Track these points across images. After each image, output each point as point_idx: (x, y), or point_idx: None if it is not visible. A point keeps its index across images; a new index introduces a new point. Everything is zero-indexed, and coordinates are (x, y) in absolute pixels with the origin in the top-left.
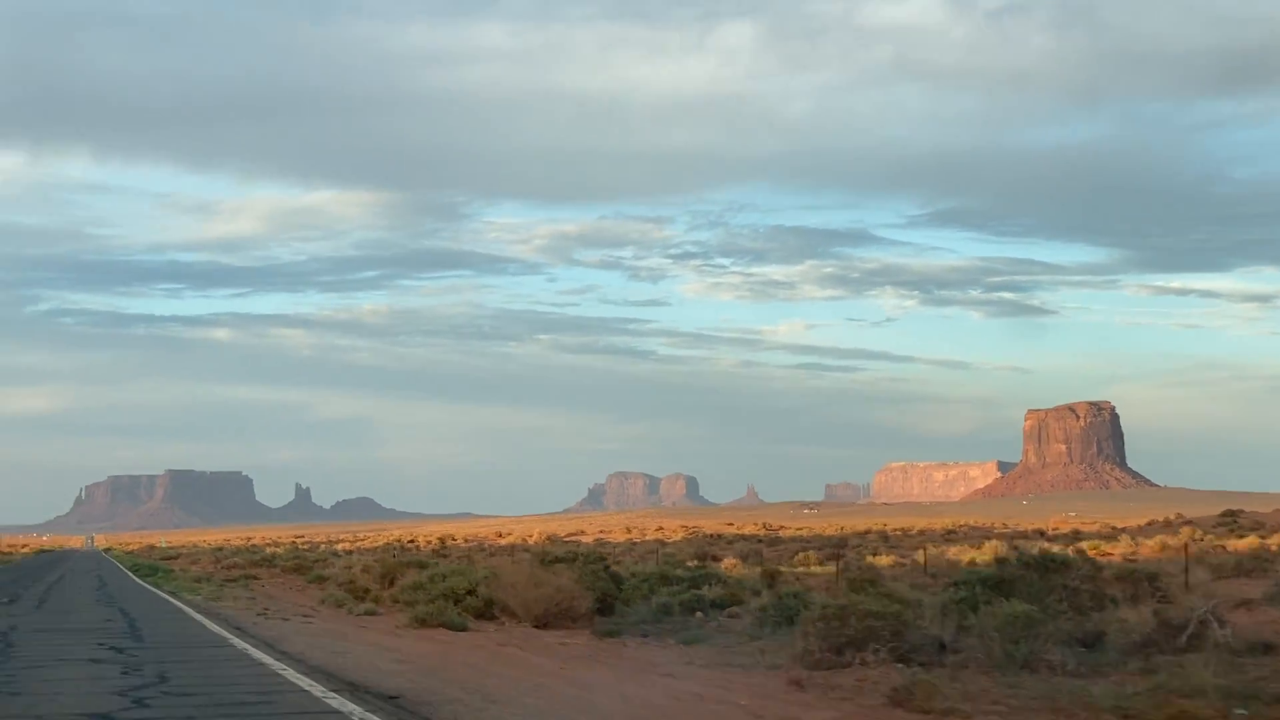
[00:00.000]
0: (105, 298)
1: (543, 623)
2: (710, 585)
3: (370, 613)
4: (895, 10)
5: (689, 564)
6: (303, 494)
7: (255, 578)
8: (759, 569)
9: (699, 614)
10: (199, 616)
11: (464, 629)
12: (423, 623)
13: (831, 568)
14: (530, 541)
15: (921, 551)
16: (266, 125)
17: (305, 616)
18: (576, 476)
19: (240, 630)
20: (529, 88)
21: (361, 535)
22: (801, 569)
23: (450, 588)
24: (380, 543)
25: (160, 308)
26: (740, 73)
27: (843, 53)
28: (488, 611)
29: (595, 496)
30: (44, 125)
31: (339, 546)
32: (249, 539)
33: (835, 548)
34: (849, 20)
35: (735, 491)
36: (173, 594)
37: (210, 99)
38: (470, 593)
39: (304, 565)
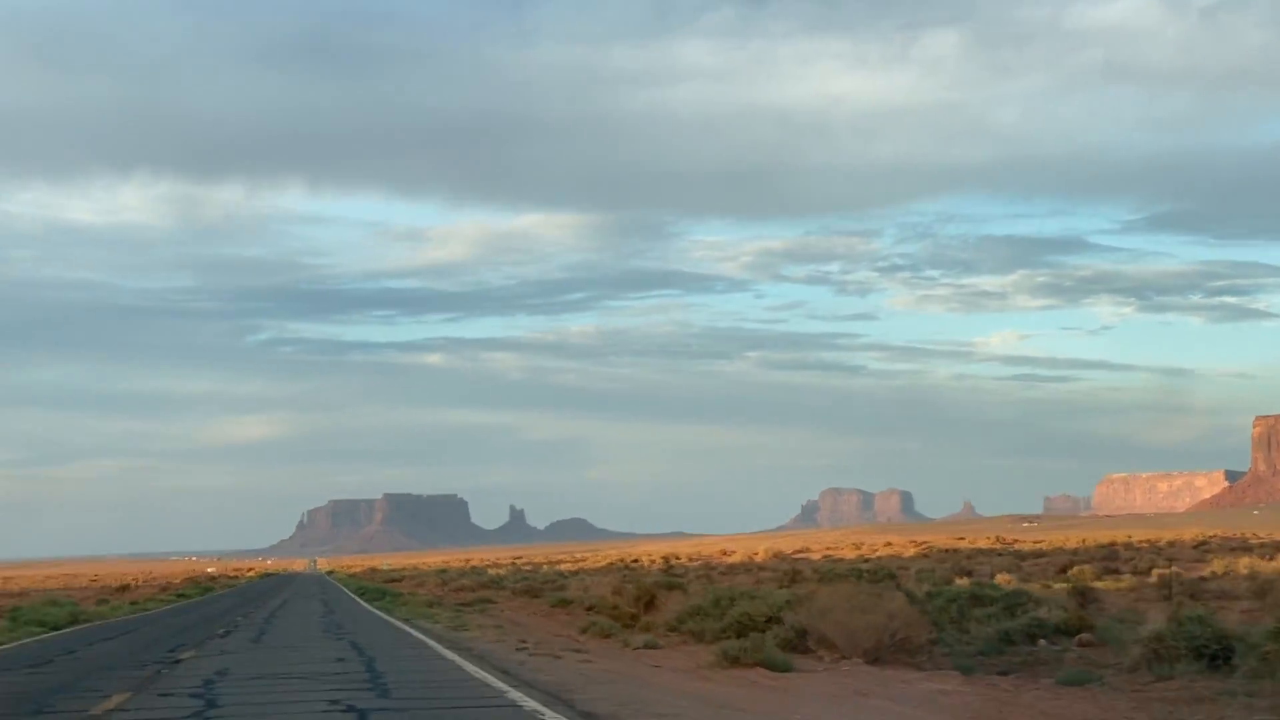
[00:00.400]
0: (322, 326)
1: (873, 657)
2: (1025, 606)
3: (651, 645)
4: (1104, 11)
5: (968, 581)
6: (517, 515)
7: (490, 601)
8: (1065, 585)
9: (1042, 642)
10: (449, 653)
11: (788, 669)
12: (734, 660)
13: (1124, 582)
14: (756, 559)
15: (1228, 564)
16: (473, 152)
17: (577, 652)
18: (789, 493)
19: (508, 674)
20: (732, 105)
21: (579, 555)
22: (1106, 584)
23: (745, 614)
24: (602, 563)
25: (375, 334)
26: (946, 82)
27: (1051, 57)
28: (799, 643)
29: (808, 513)
30: (260, 160)
31: (561, 567)
32: (467, 560)
33: (1105, 560)
34: (1056, 24)
35: (950, 506)
36: (407, 621)
37: (418, 128)
38: (771, 620)
39: (534, 587)
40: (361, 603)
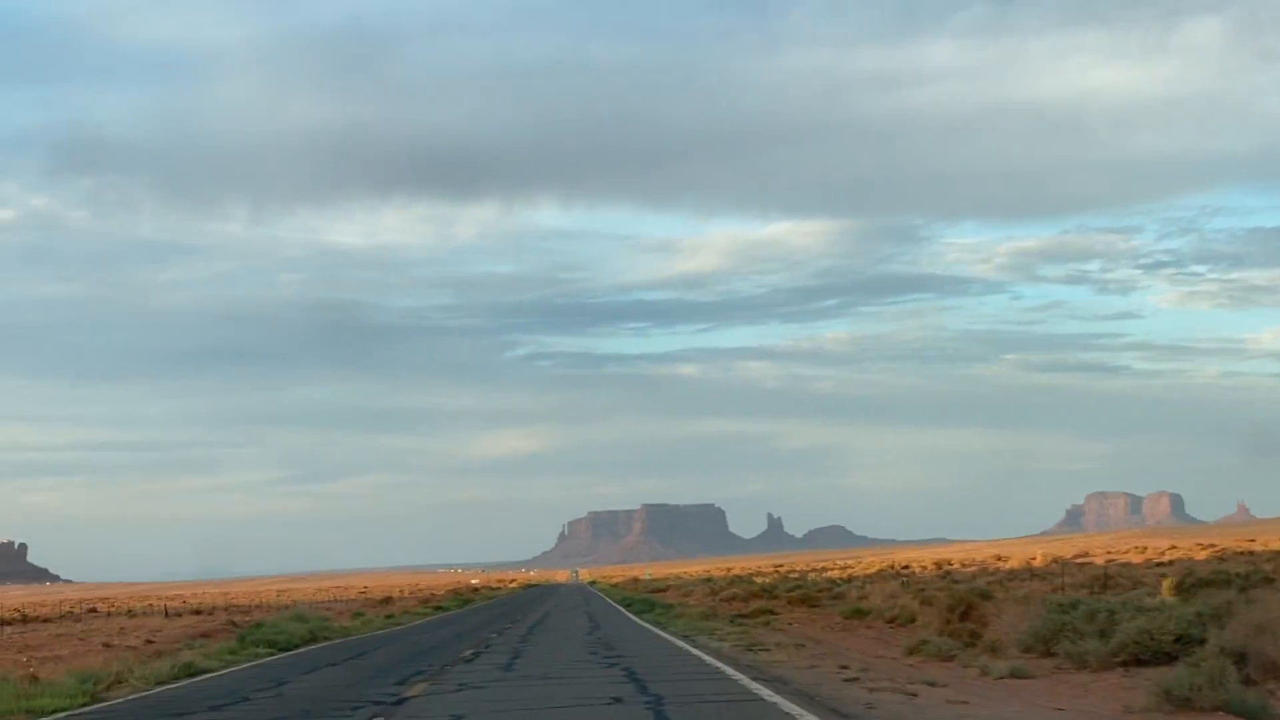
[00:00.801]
0: (578, 339)
1: None
2: None
3: (1020, 674)
4: None
5: None
6: (774, 524)
7: (771, 612)
8: None
9: None
10: (759, 687)
11: (1262, 712)
12: (1183, 703)
13: None
14: (1035, 564)
15: None
16: (722, 161)
17: (929, 685)
18: (1052, 498)
19: None
20: (983, 103)
21: (841, 562)
22: None
23: (1144, 632)
24: (870, 569)
25: (629, 346)
26: (1209, 70)
27: None
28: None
29: (1073, 518)
30: (514, 176)
31: (829, 574)
32: (728, 569)
33: None
34: None
35: (1224, 508)
36: (687, 638)
37: (667, 139)
38: (1181, 639)
39: (811, 596)
40: (629, 615)
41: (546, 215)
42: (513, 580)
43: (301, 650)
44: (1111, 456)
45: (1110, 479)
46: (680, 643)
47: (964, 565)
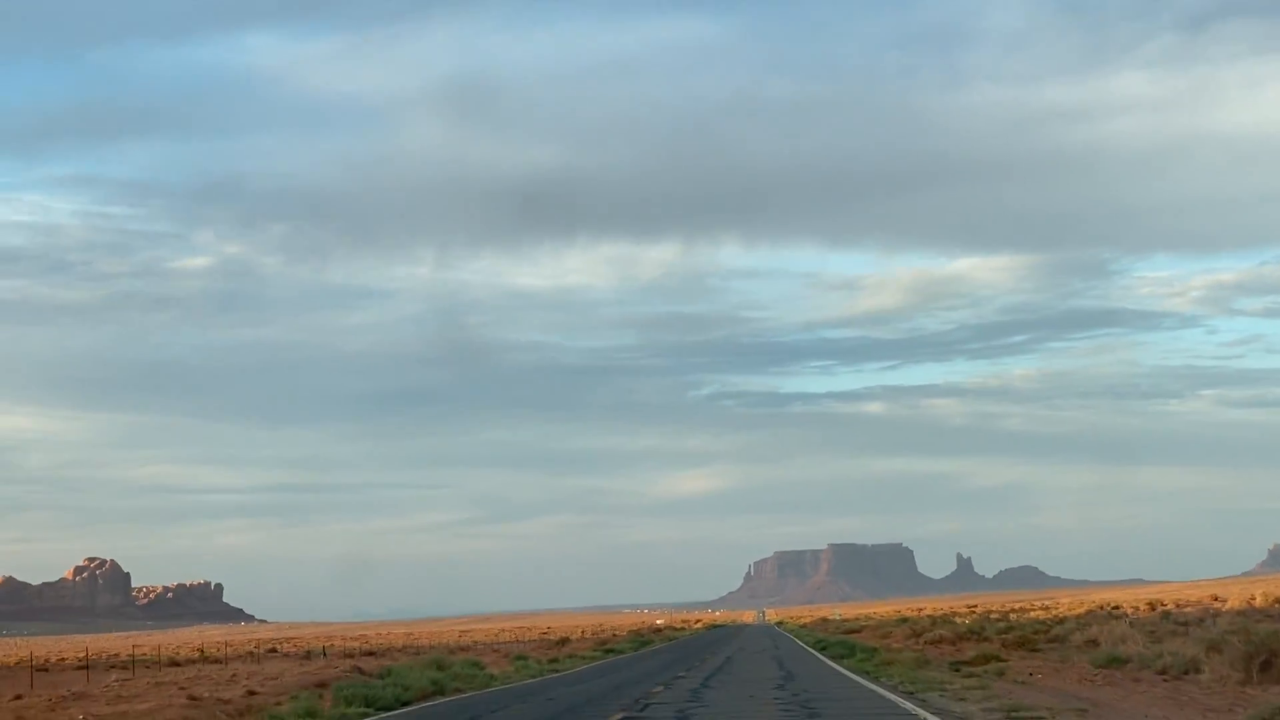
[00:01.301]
0: (762, 378)
1: None
2: None
3: None
4: None
5: None
6: (964, 564)
7: (1000, 658)
8: None
9: None
10: None
11: None
12: None
13: None
14: (1255, 604)
15: None
16: (906, 198)
17: None
18: (1253, 537)
19: None
20: (1174, 134)
21: (1040, 604)
22: None
23: None
24: (1078, 609)
25: (814, 385)
26: None
27: None
28: None
29: (1276, 557)
30: (695, 216)
31: (1031, 615)
32: (919, 609)
33: None
34: None
35: None
36: (910, 695)
37: (850, 176)
38: None
39: (1028, 638)
40: (826, 660)
41: (729, 255)
42: (697, 621)
43: (407, 709)
44: None
45: None
46: (906, 703)
47: (1179, 606)
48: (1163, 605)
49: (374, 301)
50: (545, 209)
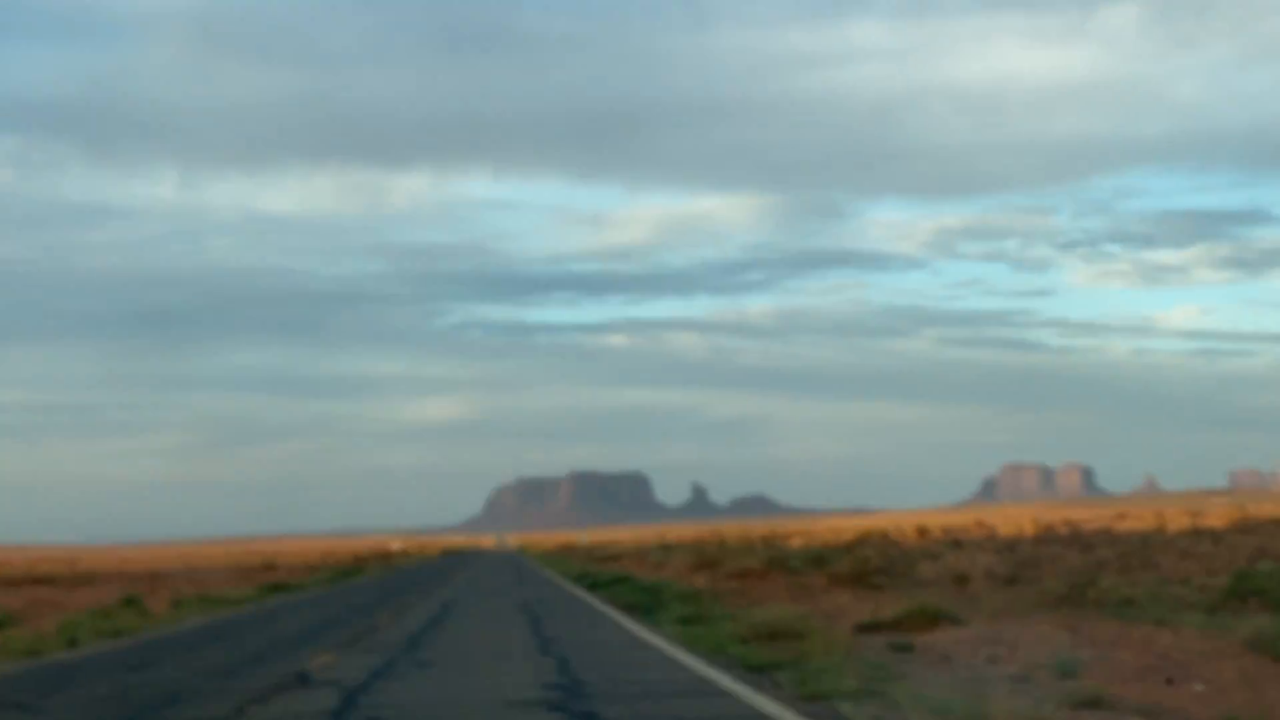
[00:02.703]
0: (508, 309)
1: None
2: None
3: None
4: None
5: None
6: (699, 492)
7: (956, 619)
8: None
9: None
10: None
11: None
12: None
13: None
14: (1027, 533)
15: None
16: (652, 135)
17: None
18: (968, 469)
19: None
20: (908, 84)
21: (782, 531)
22: None
23: None
24: (846, 536)
25: (559, 316)
26: (1125, 55)
27: (1234, 27)
28: None
29: (988, 489)
30: (446, 146)
31: (791, 542)
32: (661, 535)
33: None
34: None
35: (1133, 481)
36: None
37: (598, 112)
38: None
39: (863, 571)
40: (618, 618)
41: (478, 186)
42: (435, 546)
43: None
44: (1026, 430)
45: (1024, 452)
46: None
47: (943, 532)
48: (925, 530)
49: (114, 220)
50: (294, 133)
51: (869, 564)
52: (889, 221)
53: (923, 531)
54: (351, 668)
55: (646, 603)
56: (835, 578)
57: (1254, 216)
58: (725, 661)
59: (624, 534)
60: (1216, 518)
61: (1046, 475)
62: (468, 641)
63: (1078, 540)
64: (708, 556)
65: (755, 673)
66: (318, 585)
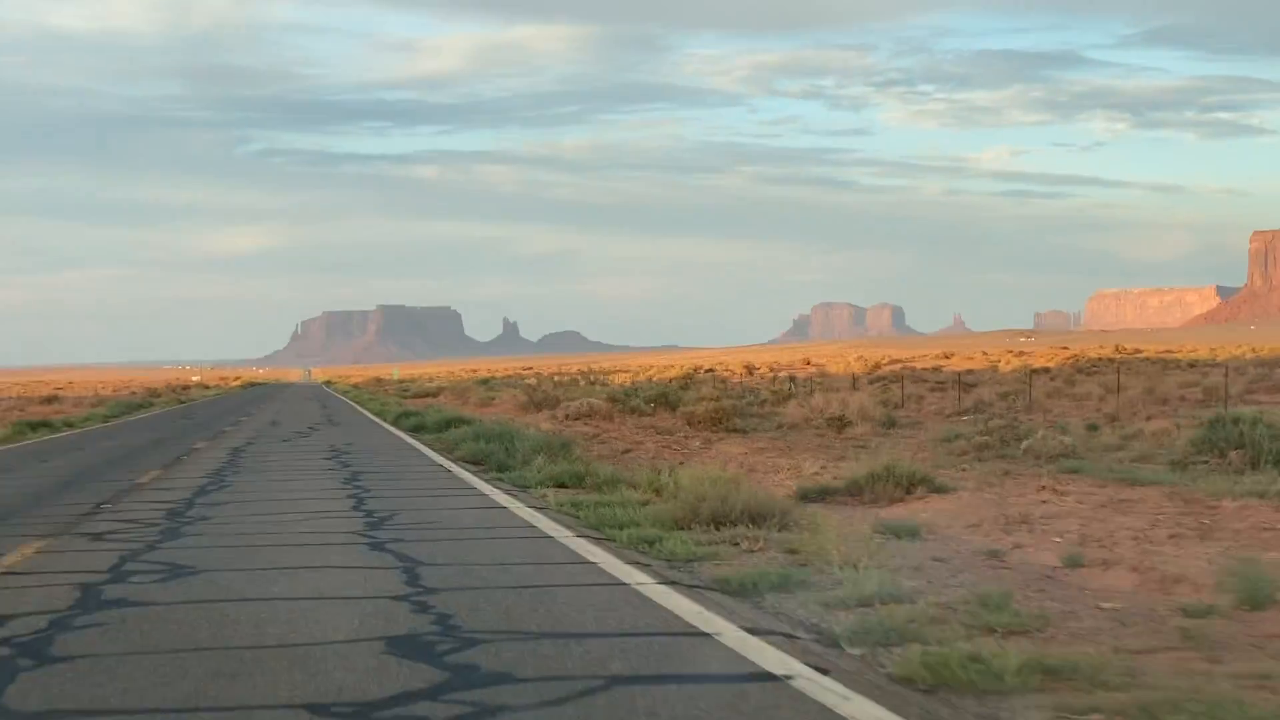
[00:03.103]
0: (315, 137)
1: None
2: None
3: None
4: None
5: None
6: (510, 328)
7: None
8: None
9: None
10: None
11: None
12: None
13: None
14: (858, 371)
15: None
16: None
17: None
18: (781, 308)
19: None
20: None
21: (601, 368)
22: None
23: None
24: (670, 372)
25: (368, 146)
26: None
27: None
28: None
29: (800, 327)
30: None
31: (616, 378)
32: (473, 370)
33: None
34: None
35: (941, 321)
36: None
37: None
38: None
39: (722, 411)
40: (447, 465)
41: (284, 7)
42: (236, 378)
43: None
44: (839, 269)
45: (836, 290)
46: None
47: (775, 369)
48: (755, 368)
49: None
50: None
51: (725, 405)
52: (706, 56)
53: (750, 369)
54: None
55: (496, 455)
56: (693, 420)
57: (1067, 59)
58: (693, 578)
59: (435, 369)
60: (1044, 358)
61: (857, 314)
62: (254, 527)
63: (921, 379)
64: (542, 394)
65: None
66: (93, 422)
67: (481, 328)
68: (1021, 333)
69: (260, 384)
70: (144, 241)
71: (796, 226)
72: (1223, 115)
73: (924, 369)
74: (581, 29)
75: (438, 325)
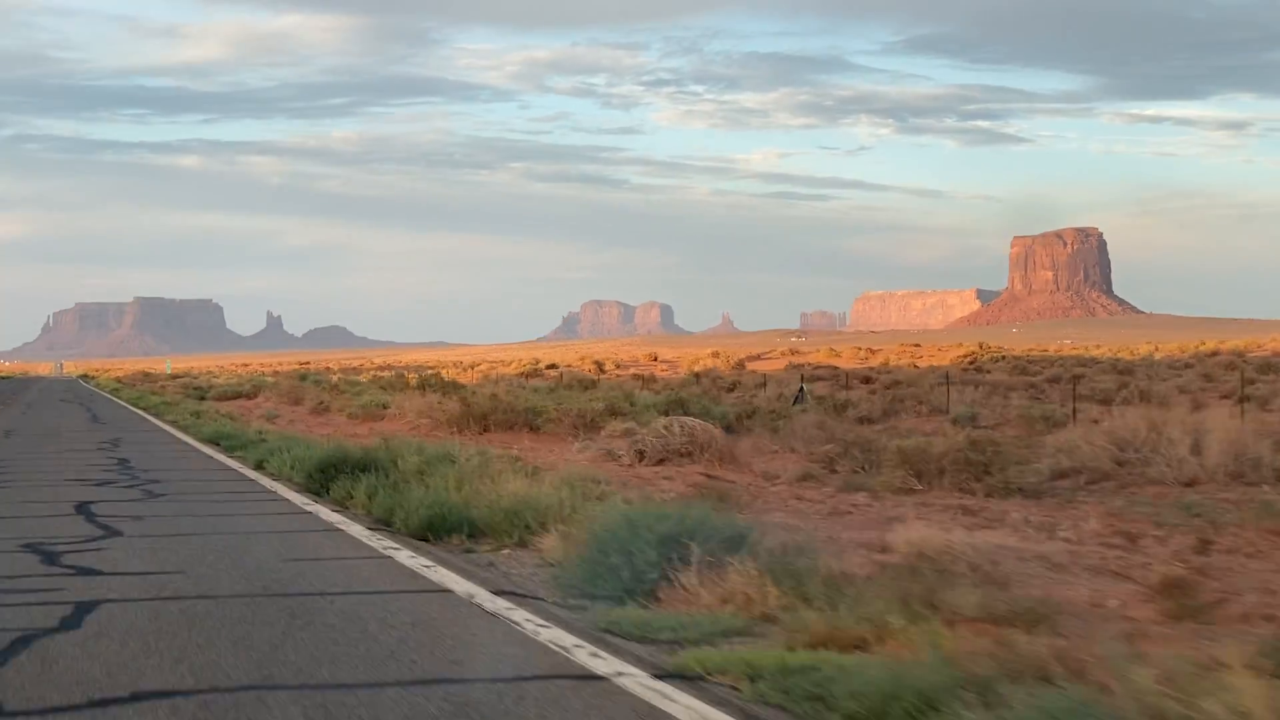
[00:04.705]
0: (71, 123)
1: None
2: None
3: None
4: None
5: None
6: (274, 322)
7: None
8: None
9: None
10: None
11: None
12: None
13: None
14: (700, 368)
15: None
16: None
17: None
18: (550, 305)
19: None
20: None
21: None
22: None
23: None
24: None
25: (127, 134)
26: None
27: None
28: None
29: (570, 325)
30: None
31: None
32: (243, 365)
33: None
34: None
35: (710, 320)
36: None
37: None
38: None
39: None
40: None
41: None
42: None
43: None
44: (608, 267)
45: (606, 289)
46: None
47: (618, 367)
48: (551, 366)
49: None
50: None
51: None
52: (477, 50)
53: (600, 367)
54: None
55: None
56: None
57: (833, 64)
58: None
59: (198, 362)
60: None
61: (626, 312)
62: None
63: (774, 379)
64: (473, 406)
65: None
66: None
67: (244, 322)
68: (792, 332)
69: (3, 377)
70: None
71: (566, 224)
72: (982, 123)
73: (753, 370)
74: (351, 19)
75: (198, 318)
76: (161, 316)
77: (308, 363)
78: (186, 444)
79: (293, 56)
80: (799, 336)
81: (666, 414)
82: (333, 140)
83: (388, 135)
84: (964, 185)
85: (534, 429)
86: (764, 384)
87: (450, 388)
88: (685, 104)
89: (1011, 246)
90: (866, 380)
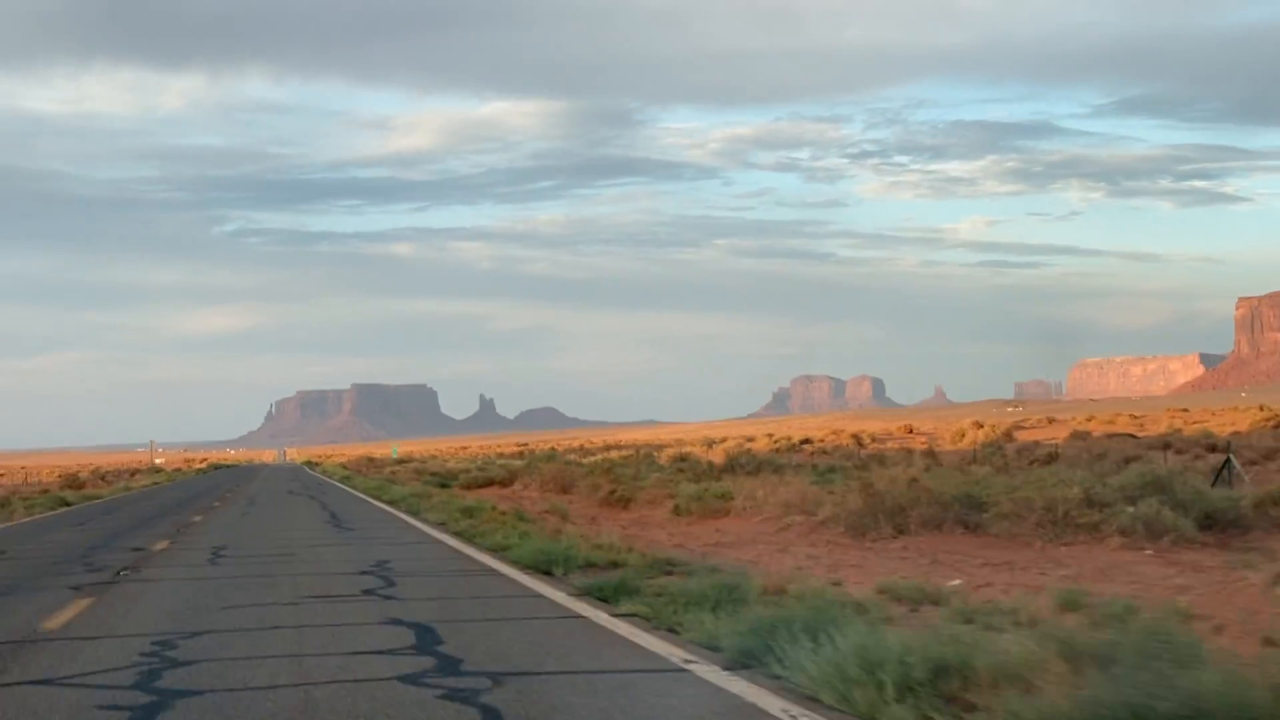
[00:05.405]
0: (288, 216)
1: None
2: None
3: None
4: None
5: None
6: (486, 405)
7: None
8: None
9: None
10: None
11: None
12: None
13: None
14: (822, 441)
15: None
16: (439, 38)
17: None
18: (760, 381)
19: None
20: None
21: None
22: None
23: None
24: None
25: (342, 225)
26: None
27: None
28: None
29: (780, 401)
30: (220, 45)
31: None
32: (459, 449)
33: None
34: None
35: (922, 392)
36: None
37: (382, 14)
38: None
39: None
40: None
41: (256, 87)
42: (203, 459)
43: None
44: (817, 341)
45: (815, 363)
46: None
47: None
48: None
49: None
50: (58, 29)
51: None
52: (680, 130)
53: (860, 441)
54: None
55: None
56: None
57: (1041, 129)
58: None
59: (415, 447)
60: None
61: (837, 386)
62: None
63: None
64: (883, 496)
65: None
66: None
67: (457, 405)
68: (1008, 403)
69: (229, 466)
70: (117, 324)
71: (774, 299)
72: (1198, 183)
73: (890, 447)
74: (555, 103)
75: (413, 403)
76: (378, 402)
77: (526, 444)
78: (498, 573)
79: (499, 143)
80: (1015, 407)
81: (1133, 503)
82: (539, 223)
83: (593, 216)
84: (1181, 247)
85: (970, 527)
86: (1103, 455)
87: (840, 472)
88: (890, 175)
89: (1236, 309)
90: (1213, 449)
